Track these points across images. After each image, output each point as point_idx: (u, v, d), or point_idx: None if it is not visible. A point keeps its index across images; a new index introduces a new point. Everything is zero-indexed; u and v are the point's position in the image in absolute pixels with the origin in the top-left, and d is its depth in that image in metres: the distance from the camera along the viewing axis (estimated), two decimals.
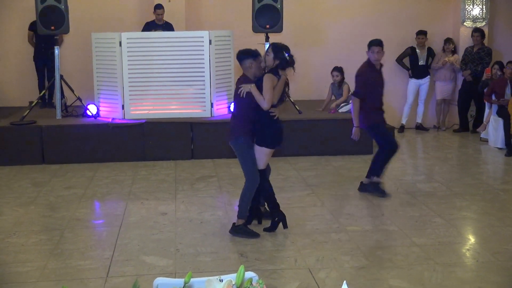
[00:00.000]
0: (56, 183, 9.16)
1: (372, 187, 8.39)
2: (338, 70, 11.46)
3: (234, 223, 6.88)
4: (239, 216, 6.85)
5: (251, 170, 6.75)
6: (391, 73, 13.52)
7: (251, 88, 6.63)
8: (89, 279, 5.69)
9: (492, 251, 6.30)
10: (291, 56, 6.86)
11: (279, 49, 6.83)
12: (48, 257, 6.20)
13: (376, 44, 8.50)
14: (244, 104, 6.74)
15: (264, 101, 6.58)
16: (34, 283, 5.60)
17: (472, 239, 6.86)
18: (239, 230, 6.80)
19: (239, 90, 6.69)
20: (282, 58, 6.77)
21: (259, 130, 6.74)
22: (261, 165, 6.78)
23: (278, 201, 6.95)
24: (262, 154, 6.75)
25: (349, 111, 11.05)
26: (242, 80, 6.85)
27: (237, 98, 6.81)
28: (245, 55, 6.91)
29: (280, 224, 6.90)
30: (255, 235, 6.76)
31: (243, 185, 6.83)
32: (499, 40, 13.71)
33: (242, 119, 6.78)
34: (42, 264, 6.03)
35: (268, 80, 6.66)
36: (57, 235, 6.85)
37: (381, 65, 8.54)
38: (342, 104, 11.23)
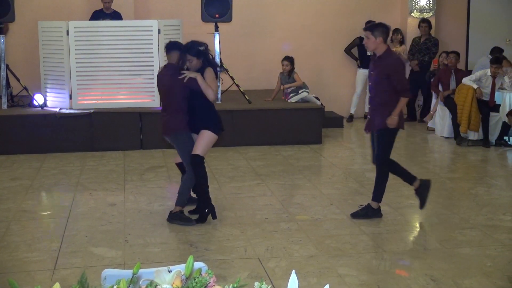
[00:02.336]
0: (2, 174, 9.01)
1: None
2: (289, 59, 11.48)
3: (171, 211, 6.92)
4: (177, 204, 6.90)
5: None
6: (339, 63, 13.64)
7: (198, 76, 6.61)
8: (36, 272, 5.61)
9: (439, 238, 6.40)
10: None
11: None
12: None
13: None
14: (179, 96, 6.74)
15: (212, 91, 6.59)
16: None
17: (419, 227, 6.97)
18: (176, 217, 6.85)
19: (182, 76, 6.63)
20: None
21: (205, 117, 6.75)
22: (205, 151, 6.80)
23: (228, 190, 6.94)
24: (209, 141, 6.77)
25: (299, 101, 11.12)
26: (171, 68, 6.83)
27: (170, 90, 6.78)
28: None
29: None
30: (190, 221, 6.81)
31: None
32: (445, 30, 13.92)
33: (179, 112, 6.79)
34: None
35: (212, 73, 6.68)
36: (3, 227, 6.74)
37: (374, 55, 7.12)
38: (292, 94, 11.26)
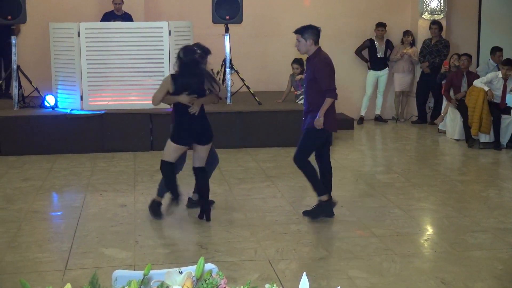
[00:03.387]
0: (13, 175, 9.04)
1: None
2: (298, 62, 11.48)
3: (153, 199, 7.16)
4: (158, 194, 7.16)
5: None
6: (350, 65, 13.61)
7: (196, 104, 6.86)
8: (47, 272, 5.63)
9: (449, 241, 6.38)
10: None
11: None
12: (5, 250, 6.12)
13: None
14: None
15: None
16: None
17: (430, 229, 6.94)
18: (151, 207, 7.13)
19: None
20: None
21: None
22: (165, 155, 7.02)
23: (238, 192, 6.94)
24: (167, 146, 7.02)
25: None
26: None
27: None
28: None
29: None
30: (158, 215, 7.05)
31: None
32: (456, 32, 13.87)
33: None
34: None
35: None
36: (14, 228, 6.76)
37: (308, 57, 7.13)
38: (302, 96, 11.24)
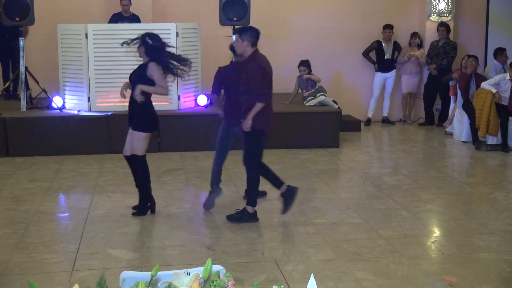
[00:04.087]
0: (21, 176, 9.06)
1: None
2: (305, 64, 11.45)
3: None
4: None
5: None
6: (357, 66, 13.61)
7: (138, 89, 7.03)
8: (54, 273, 5.64)
9: (456, 243, 6.37)
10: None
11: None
12: (13, 251, 6.14)
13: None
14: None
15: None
16: None
17: (437, 231, 6.93)
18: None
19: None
20: None
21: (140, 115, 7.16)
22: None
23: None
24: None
25: (316, 104, 11.12)
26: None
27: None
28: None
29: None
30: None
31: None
32: (464, 34, 13.84)
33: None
34: (6, 257, 5.96)
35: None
36: (22, 229, 6.78)
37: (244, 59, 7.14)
38: (310, 98, 11.25)
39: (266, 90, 6.90)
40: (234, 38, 7.00)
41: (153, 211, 7.29)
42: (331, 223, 6.99)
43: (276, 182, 7.20)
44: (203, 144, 10.10)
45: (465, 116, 11.41)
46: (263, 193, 7.85)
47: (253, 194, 7.11)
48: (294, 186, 7.21)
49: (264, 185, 7.42)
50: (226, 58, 11.66)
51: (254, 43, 6.89)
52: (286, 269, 5.69)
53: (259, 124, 6.87)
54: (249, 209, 7.03)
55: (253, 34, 6.89)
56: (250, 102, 6.86)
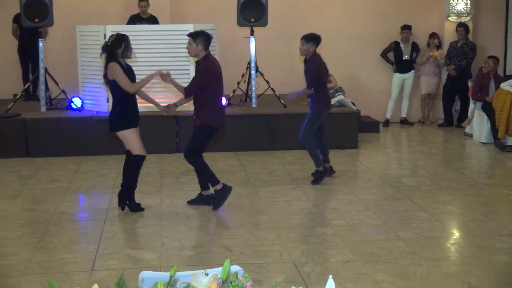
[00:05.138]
0: (41, 176, 9.12)
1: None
2: None
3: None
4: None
5: None
6: (375, 67, 13.57)
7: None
8: (74, 273, 5.67)
9: (476, 245, 6.32)
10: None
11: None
12: (33, 251, 6.18)
13: None
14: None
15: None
16: (18, 277, 5.58)
17: (456, 233, 6.89)
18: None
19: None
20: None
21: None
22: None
23: (263, 194, 6.94)
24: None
25: (335, 104, 11.10)
26: None
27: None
28: None
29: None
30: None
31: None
32: (483, 34, 13.75)
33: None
34: (26, 257, 6.00)
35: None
36: (42, 229, 6.82)
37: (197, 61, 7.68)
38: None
39: (194, 88, 7.38)
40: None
41: (122, 208, 7.38)
42: (349, 224, 6.98)
43: (214, 180, 7.51)
44: (220, 145, 10.10)
45: (485, 117, 11.34)
46: (331, 171, 8.94)
47: (207, 179, 7.55)
48: (229, 186, 7.55)
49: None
50: (243, 59, 11.69)
51: (206, 47, 7.31)
52: (305, 270, 5.68)
53: (205, 119, 7.37)
54: (218, 187, 7.44)
55: (206, 39, 7.29)
56: (196, 99, 7.49)
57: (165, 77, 7.34)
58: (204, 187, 7.61)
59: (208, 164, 7.49)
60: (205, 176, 7.52)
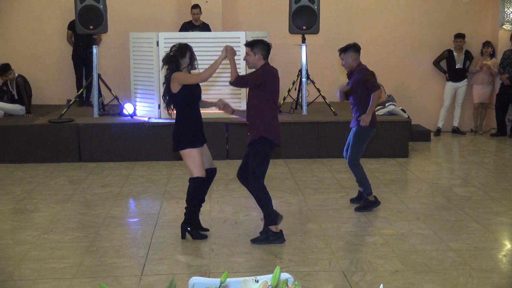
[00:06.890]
0: (92, 181, 9.24)
1: None
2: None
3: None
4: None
5: None
6: (427, 75, 13.45)
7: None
8: (124, 277, 5.73)
9: None
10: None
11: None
12: (84, 254, 6.26)
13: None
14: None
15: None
16: (70, 280, 5.66)
17: (508, 245, 6.78)
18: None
19: None
20: None
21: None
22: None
23: (312, 202, 6.91)
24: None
25: (385, 114, 11.03)
26: None
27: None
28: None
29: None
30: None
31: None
32: None
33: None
34: (78, 261, 6.09)
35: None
36: (93, 233, 6.92)
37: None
38: (379, 107, 11.16)
39: (248, 79, 6.98)
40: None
41: (183, 236, 6.75)
42: (399, 234, 6.92)
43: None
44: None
45: None
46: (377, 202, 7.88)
47: (268, 212, 6.69)
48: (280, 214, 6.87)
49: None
50: (295, 66, 11.70)
51: (265, 56, 6.80)
52: (354, 279, 5.65)
53: (260, 131, 6.77)
54: (273, 228, 6.67)
55: (265, 47, 6.78)
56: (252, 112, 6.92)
57: (231, 52, 6.96)
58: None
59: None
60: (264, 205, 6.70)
